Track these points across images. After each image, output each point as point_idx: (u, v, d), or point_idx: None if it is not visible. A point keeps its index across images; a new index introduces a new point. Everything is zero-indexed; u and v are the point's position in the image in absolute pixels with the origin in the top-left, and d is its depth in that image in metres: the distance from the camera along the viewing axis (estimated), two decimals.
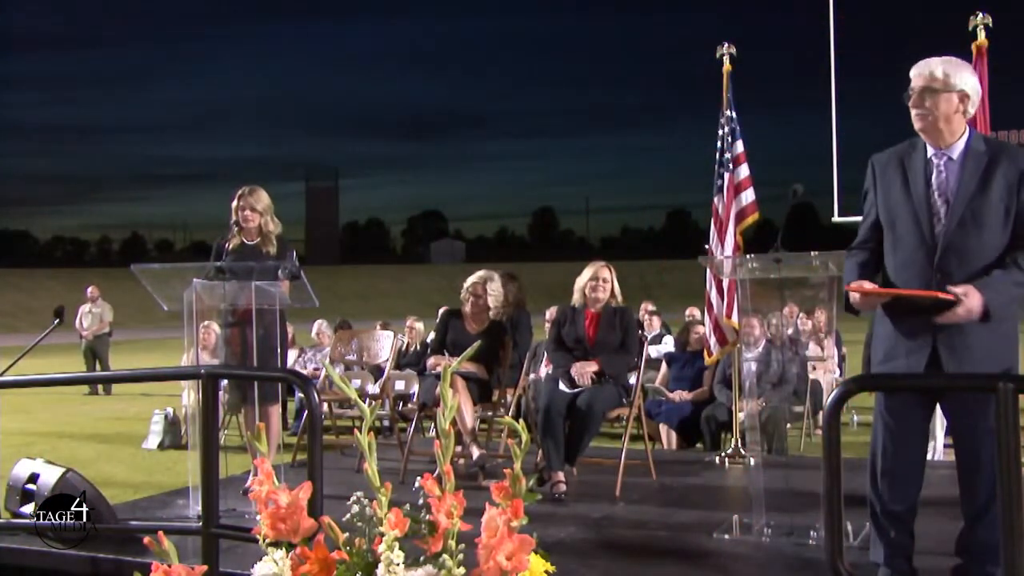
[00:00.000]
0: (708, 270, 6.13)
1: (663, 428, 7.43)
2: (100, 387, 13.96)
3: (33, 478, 4.23)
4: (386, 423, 8.00)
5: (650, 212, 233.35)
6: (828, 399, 2.70)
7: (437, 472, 1.96)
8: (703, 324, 6.96)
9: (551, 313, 7.55)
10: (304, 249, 79.22)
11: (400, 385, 7.24)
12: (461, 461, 5.29)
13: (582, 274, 5.45)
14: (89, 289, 15.06)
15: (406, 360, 9.46)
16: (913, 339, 3.11)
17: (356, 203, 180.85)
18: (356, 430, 2.05)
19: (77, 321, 14.56)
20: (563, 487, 4.91)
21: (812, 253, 3.97)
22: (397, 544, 1.87)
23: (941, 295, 3.00)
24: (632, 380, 5.40)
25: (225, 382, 5.25)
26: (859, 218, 3.44)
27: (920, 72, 3.15)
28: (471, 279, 5.93)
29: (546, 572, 1.91)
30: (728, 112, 6.45)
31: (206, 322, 6.81)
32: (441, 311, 6.38)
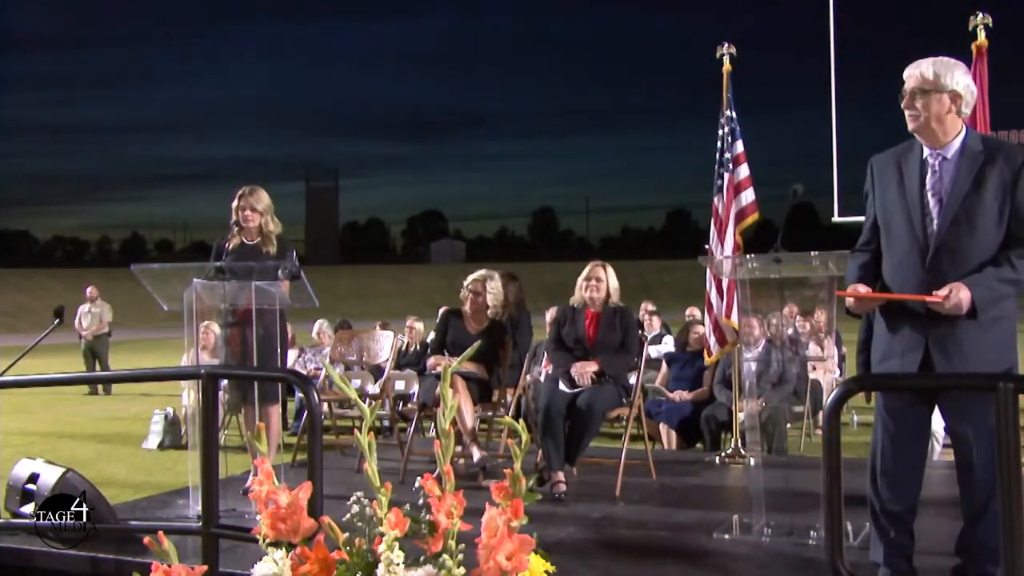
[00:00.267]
0: (708, 270, 6.14)
1: (663, 428, 7.43)
2: (100, 387, 13.96)
3: (33, 478, 4.23)
4: (386, 423, 7.99)
5: (650, 212, 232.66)
6: (828, 399, 2.71)
7: (437, 472, 1.96)
8: (703, 324, 6.97)
9: (551, 313, 7.55)
10: (304, 249, 79.07)
11: (400, 385, 7.26)
12: (461, 461, 5.29)
13: (582, 274, 5.46)
14: (89, 289, 15.05)
15: (406, 360, 9.47)
16: (907, 339, 3.12)
17: (356, 203, 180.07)
18: (356, 430, 2.05)
19: (77, 321, 14.55)
20: (563, 487, 4.91)
21: (812, 253, 3.97)
22: (397, 544, 1.87)
23: (928, 298, 3.00)
24: (632, 380, 5.41)
25: (225, 382, 5.26)
26: (859, 218, 3.45)
27: (911, 73, 3.15)
28: (471, 277, 5.93)
29: (546, 572, 1.91)
30: (728, 112, 6.46)
31: (206, 322, 6.82)
32: (441, 311, 6.38)
